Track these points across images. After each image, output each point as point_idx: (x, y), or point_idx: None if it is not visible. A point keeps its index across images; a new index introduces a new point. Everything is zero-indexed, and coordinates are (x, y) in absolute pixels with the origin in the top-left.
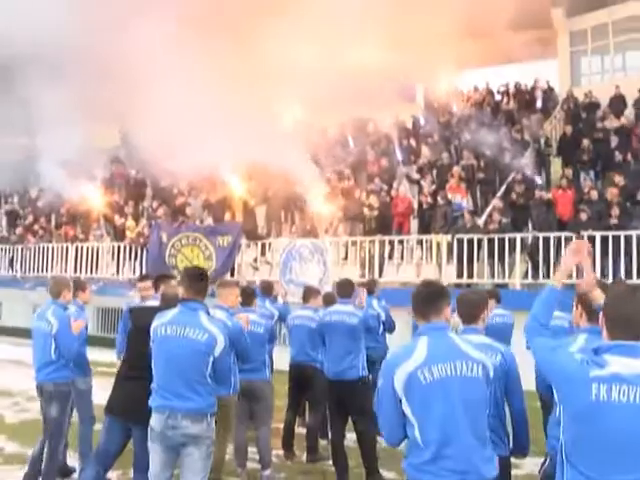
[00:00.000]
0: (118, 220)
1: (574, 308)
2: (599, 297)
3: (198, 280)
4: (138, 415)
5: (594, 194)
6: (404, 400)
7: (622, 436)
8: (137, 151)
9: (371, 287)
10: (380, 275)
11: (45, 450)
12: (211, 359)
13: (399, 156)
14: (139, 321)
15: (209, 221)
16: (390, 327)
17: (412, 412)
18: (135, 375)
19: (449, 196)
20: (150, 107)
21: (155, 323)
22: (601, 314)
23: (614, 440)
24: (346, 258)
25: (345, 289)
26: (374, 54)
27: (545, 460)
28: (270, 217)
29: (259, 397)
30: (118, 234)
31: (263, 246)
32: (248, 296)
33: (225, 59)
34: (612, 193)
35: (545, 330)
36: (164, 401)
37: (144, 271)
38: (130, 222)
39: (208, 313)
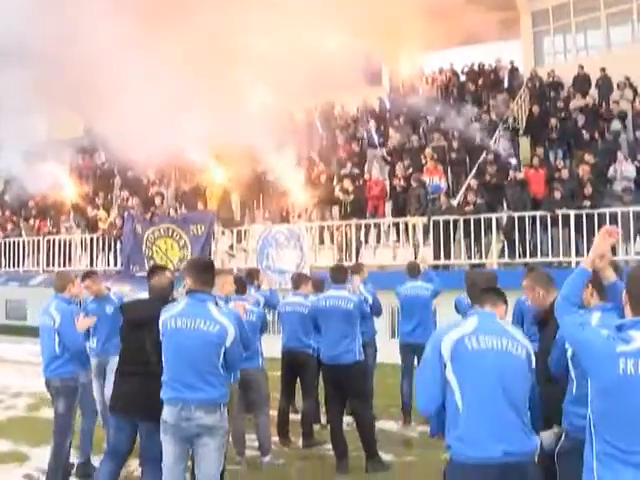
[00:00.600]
0: (90, 212)
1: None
2: (611, 276)
3: (205, 271)
4: (144, 410)
5: (565, 172)
6: (449, 365)
7: None
8: (103, 140)
9: (358, 271)
10: (357, 259)
11: (51, 445)
12: (222, 350)
13: (369, 139)
14: (131, 315)
15: (182, 210)
16: (377, 311)
17: (455, 378)
18: (135, 370)
19: (426, 178)
20: (114, 94)
21: (164, 316)
22: (624, 292)
23: None
24: (322, 243)
25: (339, 275)
26: (339, 37)
27: (561, 436)
28: (244, 204)
29: (254, 385)
30: (90, 225)
31: (239, 233)
32: (242, 285)
33: (191, 44)
34: (584, 170)
35: (575, 309)
36: (176, 393)
37: (119, 262)
38: (102, 213)
39: (216, 304)
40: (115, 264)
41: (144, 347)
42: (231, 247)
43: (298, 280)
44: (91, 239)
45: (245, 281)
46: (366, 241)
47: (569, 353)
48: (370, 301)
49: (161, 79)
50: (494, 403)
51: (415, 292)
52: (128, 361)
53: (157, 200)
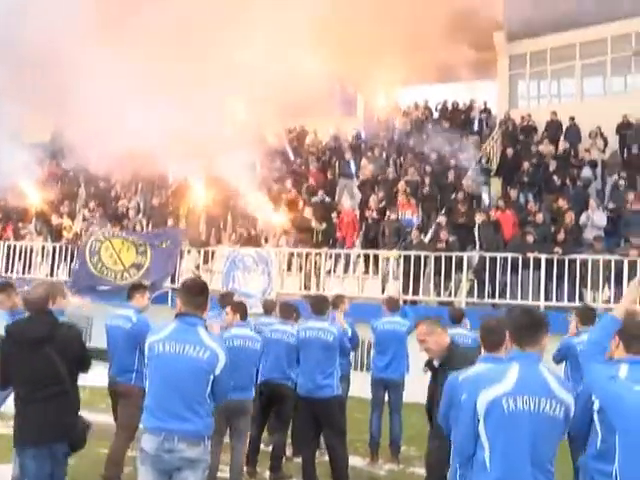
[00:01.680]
0: (55, 220)
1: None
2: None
3: (198, 294)
4: (54, 436)
5: (540, 217)
6: (482, 421)
7: None
8: (69, 147)
9: (339, 303)
10: (323, 289)
11: None
12: (211, 377)
13: (343, 169)
14: (20, 337)
15: (149, 228)
16: (356, 344)
17: (487, 435)
18: (39, 396)
19: (399, 212)
20: (83, 101)
21: (151, 339)
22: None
23: None
24: (289, 269)
25: (321, 305)
26: (316, 63)
27: None
28: (210, 224)
29: (242, 414)
30: (54, 234)
31: (206, 253)
32: (244, 311)
33: (167, 59)
34: (567, 217)
35: (602, 357)
36: (160, 422)
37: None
38: (67, 222)
39: (206, 328)
40: None
41: (40, 367)
42: (197, 267)
43: (286, 310)
44: (53, 247)
45: (239, 307)
46: (334, 271)
47: (595, 406)
48: (349, 333)
49: (133, 91)
50: (521, 465)
51: (392, 327)
52: (29, 387)
53: (130, 213)
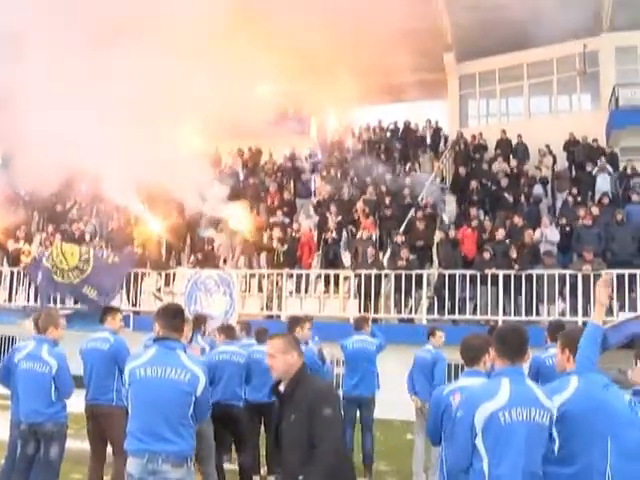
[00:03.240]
0: (12, 245)
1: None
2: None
3: (175, 317)
4: None
5: (502, 232)
6: (480, 435)
7: None
8: (23, 173)
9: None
10: (284, 308)
11: None
12: (193, 399)
13: (301, 189)
14: None
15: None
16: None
17: (485, 448)
18: None
19: (359, 232)
20: (33, 123)
21: (131, 365)
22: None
23: None
24: (249, 290)
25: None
26: (268, 85)
27: None
28: (170, 246)
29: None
30: (11, 259)
31: (167, 276)
32: (232, 331)
33: (120, 81)
34: (527, 235)
35: (594, 366)
36: (143, 445)
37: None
38: (25, 247)
39: (185, 350)
40: (35, 300)
41: None
42: (159, 289)
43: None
44: (11, 272)
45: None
46: (297, 291)
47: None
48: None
49: (85, 112)
50: (517, 472)
51: (362, 345)
52: None
53: (86, 236)
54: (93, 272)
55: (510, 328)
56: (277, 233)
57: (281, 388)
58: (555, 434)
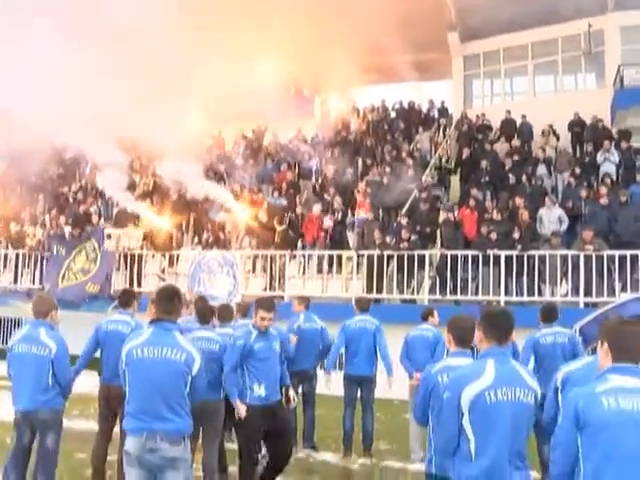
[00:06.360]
0: (15, 227)
1: None
2: None
3: (171, 299)
4: None
5: (500, 214)
6: (466, 415)
7: None
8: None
9: (307, 304)
10: (285, 289)
11: None
12: (189, 378)
13: (305, 170)
14: None
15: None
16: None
17: (472, 428)
18: None
19: (356, 212)
20: (34, 101)
21: (129, 345)
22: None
23: None
24: (253, 271)
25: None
26: (271, 65)
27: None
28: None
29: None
30: (14, 241)
31: (171, 257)
32: (230, 312)
33: (125, 56)
34: (522, 215)
35: None
36: (141, 423)
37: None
38: (30, 229)
39: (181, 332)
40: (40, 282)
41: None
42: (163, 270)
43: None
44: (16, 255)
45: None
46: (303, 272)
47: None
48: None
49: (91, 90)
50: (503, 451)
51: (363, 325)
52: None
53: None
54: (99, 269)
55: (500, 311)
56: (274, 213)
57: None
58: None
